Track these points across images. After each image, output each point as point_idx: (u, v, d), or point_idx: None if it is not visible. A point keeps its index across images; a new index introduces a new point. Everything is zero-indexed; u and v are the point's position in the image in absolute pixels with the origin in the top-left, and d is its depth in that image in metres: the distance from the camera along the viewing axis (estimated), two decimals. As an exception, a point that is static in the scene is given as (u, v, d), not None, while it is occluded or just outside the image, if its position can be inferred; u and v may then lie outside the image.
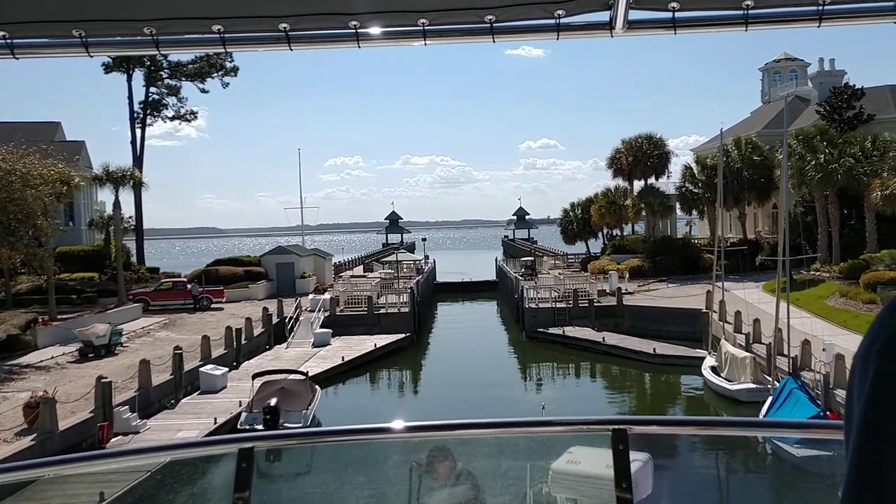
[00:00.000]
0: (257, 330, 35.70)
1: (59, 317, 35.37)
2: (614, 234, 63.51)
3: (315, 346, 35.84)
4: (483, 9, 2.06)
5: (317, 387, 25.88)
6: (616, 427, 2.53)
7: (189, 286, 45.17)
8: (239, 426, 22.35)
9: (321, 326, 38.52)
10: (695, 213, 59.40)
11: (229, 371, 28.66)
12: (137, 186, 49.92)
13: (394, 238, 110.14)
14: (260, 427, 21.27)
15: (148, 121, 60.11)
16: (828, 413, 20.12)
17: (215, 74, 61.24)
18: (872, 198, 41.42)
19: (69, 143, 54.73)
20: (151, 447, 4.94)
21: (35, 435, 18.92)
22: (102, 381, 21.18)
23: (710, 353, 30.34)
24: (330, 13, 2.09)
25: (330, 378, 30.94)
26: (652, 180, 60.07)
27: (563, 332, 38.26)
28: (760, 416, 20.42)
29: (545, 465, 4.01)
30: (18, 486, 2.80)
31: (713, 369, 28.30)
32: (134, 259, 53.74)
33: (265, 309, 38.42)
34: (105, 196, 51.08)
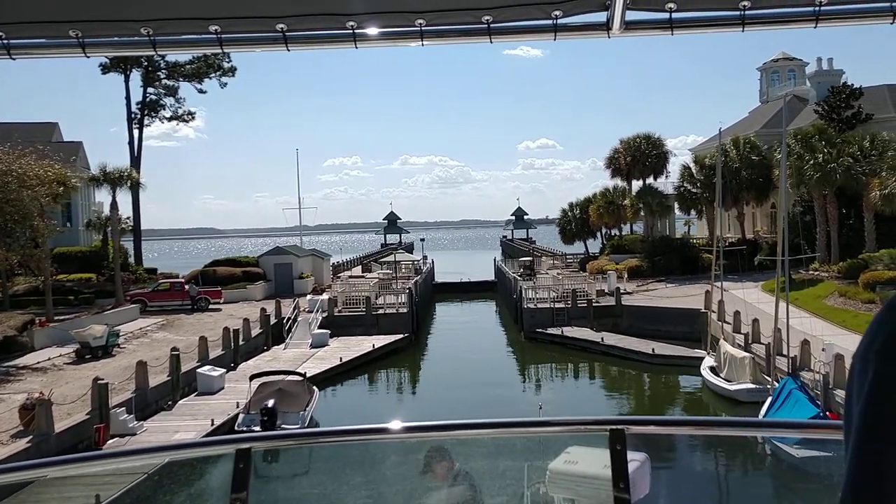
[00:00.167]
0: (255, 331, 35.60)
1: (56, 318, 35.24)
2: (613, 234, 63.45)
3: (313, 346, 35.74)
4: (480, 9, 2.06)
5: (315, 388, 25.79)
6: (613, 427, 2.52)
7: (187, 287, 45.06)
8: (236, 428, 22.25)
9: (319, 327, 38.42)
10: (693, 212, 59.31)
11: (227, 372, 28.54)
12: (135, 187, 49.87)
13: (392, 238, 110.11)
14: (257, 428, 21.16)
15: (145, 121, 60.09)
16: (827, 413, 20.06)
17: (213, 75, 61.20)
18: (871, 197, 41.38)
19: (66, 143, 54.59)
20: (148, 448, 4.87)
21: (31, 437, 18.83)
22: (99, 382, 21.10)
23: (709, 354, 30.28)
24: (327, 14, 2.08)
25: (328, 379, 30.84)
26: (650, 180, 60.08)
27: (562, 332, 38.19)
28: (760, 417, 20.36)
29: (543, 466, 4.01)
30: (13, 488, 2.75)
31: (712, 369, 28.24)
32: (132, 260, 53.62)
33: (263, 310, 38.33)
34: (103, 197, 51.01)
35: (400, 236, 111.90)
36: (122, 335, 33.60)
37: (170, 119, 62.32)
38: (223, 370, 28.24)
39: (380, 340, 37.10)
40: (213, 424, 22.47)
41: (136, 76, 58.46)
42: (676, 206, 57.85)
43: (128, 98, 58.11)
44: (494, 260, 70.96)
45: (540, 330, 39.25)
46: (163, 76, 60.11)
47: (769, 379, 24.47)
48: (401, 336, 38.42)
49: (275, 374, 25.57)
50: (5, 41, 2.13)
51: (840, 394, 20.86)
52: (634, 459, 2.68)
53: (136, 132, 58.61)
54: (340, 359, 33.17)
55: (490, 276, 65.98)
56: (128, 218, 51.75)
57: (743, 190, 50.67)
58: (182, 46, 2.34)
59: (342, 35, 2.12)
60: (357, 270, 70.82)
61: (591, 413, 21.41)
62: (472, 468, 4.65)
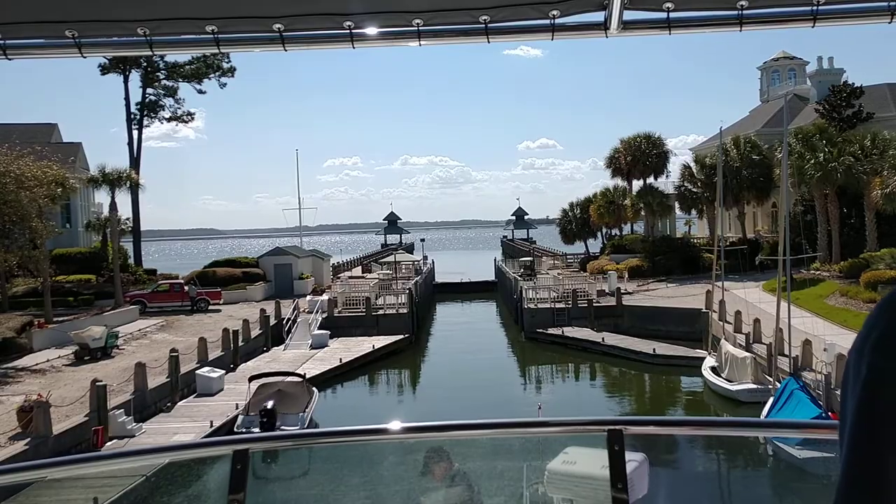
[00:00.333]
0: (255, 332, 35.51)
1: (55, 319, 35.17)
2: (613, 233, 63.35)
3: (313, 347, 35.65)
4: (478, 9, 2.06)
5: (314, 389, 25.68)
6: (611, 427, 2.52)
7: (186, 288, 44.98)
8: (235, 429, 22.13)
9: (319, 328, 38.34)
10: (694, 212, 59.29)
11: (226, 373, 28.43)
12: (134, 188, 49.82)
13: (392, 239, 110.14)
14: (257, 430, 21.06)
15: (145, 122, 60.02)
16: (830, 414, 19.94)
17: (212, 75, 61.13)
18: (872, 196, 41.31)
19: (65, 144, 54.53)
20: (145, 449, 4.84)
21: (29, 439, 18.72)
22: (97, 384, 21.02)
23: (710, 354, 30.17)
24: (324, 14, 2.08)
25: (328, 380, 30.74)
26: (651, 180, 59.93)
27: (563, 332, 38.09)
28: (762, 417, 20.25)
29: (541, 466, 4.01)
30: (10, 490, 2.68)
31: (713, 370, 28.13)
32: (131, 261, 53.54)
33: (263, 310, 38.25)
34: (102, 198, 51.00)
35: (400, 236, 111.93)
36: (122, 336, 33.51)
37: (169, 120, 62.32)
38: (223, 371, 28.13)
39: (380, 341, 36.98)
40: (212, 426, 22.37)
41: (135, 77, 58.46)
42: (677, 205, 57.79)
43: (127, 99, 58.10)
44: (495, 260, 70.86)
45: (540, 330, 39.16)
46: (162, 77, 60.05)
47: (770, 379, 24.36)
48: (401, 337, 38.32)
49: (274, 375, 25.45)
50: (1, 41, 2.13)
51: (842, 394, 20.71)
52: (633, 460, 2.68)
53: (135, 133, 58.59)
54: (340, 360, 33.07)
55: (490, 277, 65.91)
56: (127, 219, 51.75)
57: (744, 189, 50.59)
58: (178, 46, 2.35)
59: (339, 35, 2.13)
60: (357, 271, 70.75)
61: (591, 413, 21.36)
62: (471, 469, 4.65)
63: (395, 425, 2.77)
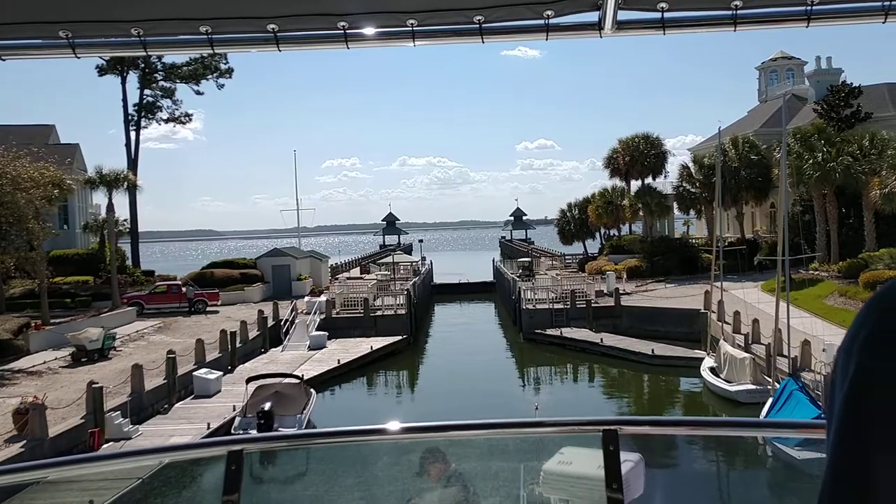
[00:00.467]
0: (252, 333, 35.44)
1: (52, 321, 35.07)
2: (612, 234, 63.30)
3: (311, 348, 35.57)
4: (472, 9, 2.07)
5: (312, 390, 25.59)
6: (607, 427, 2.52)
7: (184, 289, 44.87)
8: (233, 431, 22.05)
9: (317, 329, 38.25)
10: (692, 212, 59.24)
11: (224, 375, 28.35)
12: (132, 189, 49.66)
13: (391, 239, 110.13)
14: (254, 432, 20.97)
15: (143, 123, 59.83)
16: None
17: (210, 76, 60.99)
18: (871, 196, 41.28)
19: (63, 146, 54.41)
20: (139, 450, 4.83)
21: (24, 442, 18.65)
22: (94, 386, 20.94)
23: (708, 354, 30.11)
24: (318, 14, 2.09)
25: (326, 381, 30.66)
26: (649, 180, 59.90)
27: (561, 333, 38.03)
28: (761, 418, 20.19)
29: (537, 466, 4.00)
30: (5, 492, 2.65)
31: (712, 370, 28.08)
32: (129, 262, 53.44)
33: (260, 312, 38.17)
34: (100, 199, 50.92)
35: (399, 237, 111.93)
36: (119, 338, 33.41)
37: (167, 121, 62.15)
38: (220, 373, 28.05)
39: (378, 342, 36.90)
40: (209, 428, 22.29)
41: (133, 78, 58.34)
42: (675, 205, 57.77)
43: (124, 100, 57.95)
44: (493, 261, 70.84)
45: (539, 331, 39.08)
46: (160, 78, 59.91)
47: (770, 380, 24.31)
48: (399, 338, 38.24)
49: (272, 376, 25.37)
50: None
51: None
52: (628, 460, 2.68)
53: (133, 134, 58.44)
54: (338, 361, 32.99)
55: (489, 277, 65.83)
56: (125, 220, 51.59)
57: (742, 189, 50.60)
58: (172, 47, 2.35)
59: (334, 35, 2.13)
60: (355, 272, 70.64)
61: (588, 414, 21.31)
62: (468, 469, 4.65)
63: (390, 426, 2.76)
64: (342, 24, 2.09)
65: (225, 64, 60.71)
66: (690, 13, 2.12)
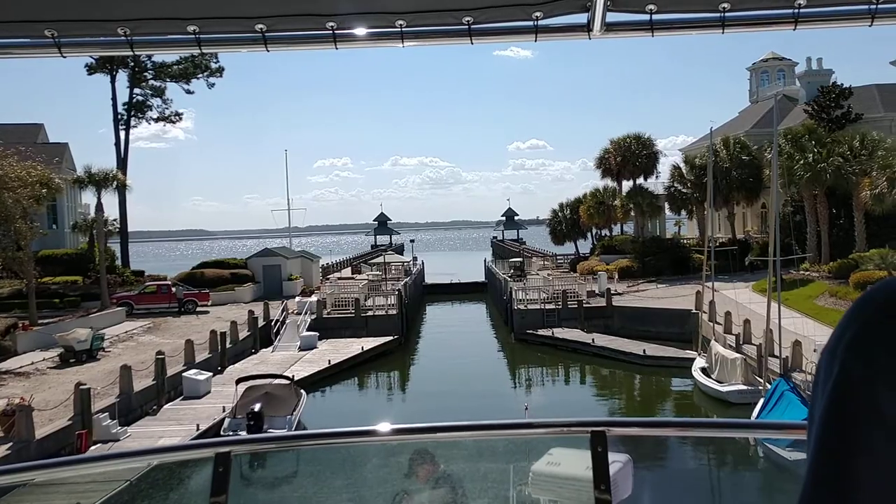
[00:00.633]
0: (243, 333, 35.24)
1: (40, 321, 34.78)
2: (603, 234, 63.36)
3: (301, 349, 35.42)
4: (461, 10, 2.07)
5: (302, 391, 25.45)
6: (595, 429, 2.52)
7: (174, 289, 44.62)
8: (222, 432, 21.89)
9: (308, 329, 38.11)
10: (684, 213, 59.40)
11: (214, 376, 28.17)
12: (121, 188, 49.34)
13: (383, 239, 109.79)
14: (243, 433, 20.83)
15: (132, 122, 59.44)
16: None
17: (200, 75, 60.59)
18: (861, 197, 41.45)
19: (51, 145, 54.04)
20: (127, 452, 4.77)
21: (11, 444, 18.47)
22: (81, 387, 20.75)
23: (700, 355, 30.12)
24: (307, 14, 2.08)
25: (316, 382, 30.52)
26: (640, 180, 59.92)
27: (552, 333, 37.99)
28: (752, 419, 20.17)
29: (526, 467, 4.02)
30: None
31: (703, 371, 28.09)
32: (119, 262, 53.09)
33: (251, 312, 37.99)
34: (89, 199, 50.55)
35: (390, 237, 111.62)
36: (108, 338, 33.16)
37: (157, 120, 61.73)
38: (210, 374, 27.87)
39: (369, 342, 36.77)
40: (198, 429, 22.12)
41: (122, 77, 57.94)
42: (667, 206, 57.89)
43: (114, 99, 57.52)
44: (485, 261, 70.76)
45: (530, 331, 39.05)
46: (149, 77, 59.52)
47: (761, 380, 24.32)
48: (390, 338, 38.13)
49: (261, 377, 25.23)
50: None
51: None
52: (617, 461, 2.70)
53: (122, 133, 58.04)
54: (329, 361, 32.85)
55: (480, 278, 65.80)
56: (114, 220, 51.23)
57: (733, 190, 50.70)
58: (160, 47, 2.34)
59: (322, 36, 2.12)
60: (346, 272, 70.51)
61: (579, 414, 21.29)
62: (457, 471, 4.65)
63: (380, 427, 2.75)
64: (331, 24, 2.09)
65: (215, 63, 60.42)
66: (679, 15, 2.13)
